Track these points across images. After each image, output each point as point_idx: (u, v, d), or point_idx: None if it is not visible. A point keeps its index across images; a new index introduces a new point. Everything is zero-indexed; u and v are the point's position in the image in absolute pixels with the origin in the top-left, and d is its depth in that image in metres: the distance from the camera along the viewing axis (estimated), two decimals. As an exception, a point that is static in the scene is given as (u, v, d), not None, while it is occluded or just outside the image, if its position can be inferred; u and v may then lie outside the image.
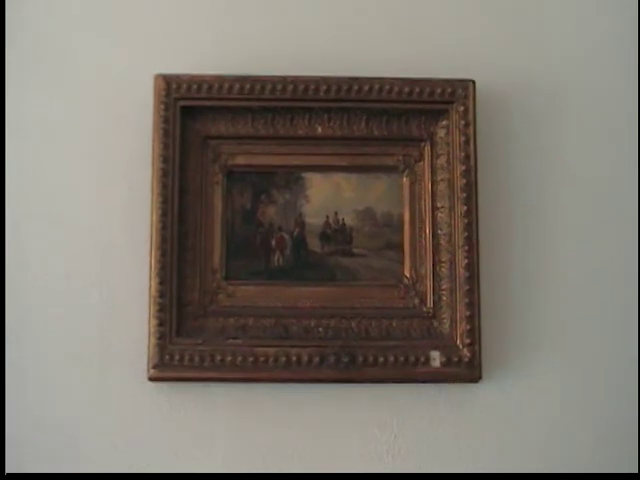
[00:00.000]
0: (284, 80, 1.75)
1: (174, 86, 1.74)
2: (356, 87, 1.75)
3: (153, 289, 1.69)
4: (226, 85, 1.74)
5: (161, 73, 1.75)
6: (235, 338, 1.70)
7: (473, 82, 1.77)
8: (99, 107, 1.79)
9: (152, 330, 1.69)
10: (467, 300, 1.72)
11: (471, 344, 1.71)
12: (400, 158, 1.80)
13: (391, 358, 1.70)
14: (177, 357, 1.69)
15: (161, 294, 1.69)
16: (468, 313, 1.72)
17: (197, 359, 1.69)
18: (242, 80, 1.74)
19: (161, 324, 1.68)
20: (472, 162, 1.75)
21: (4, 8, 1.76)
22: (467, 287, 1.72)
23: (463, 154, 1.75)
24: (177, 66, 1.76)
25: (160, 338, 1.68)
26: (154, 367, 1.69)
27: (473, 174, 1.75)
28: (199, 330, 1.72)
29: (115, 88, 1.80)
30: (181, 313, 1.71)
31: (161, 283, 1.69)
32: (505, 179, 1.82)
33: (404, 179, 1.80)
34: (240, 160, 1.78)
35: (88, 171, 1.79)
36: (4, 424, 1.67)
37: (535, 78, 1.84)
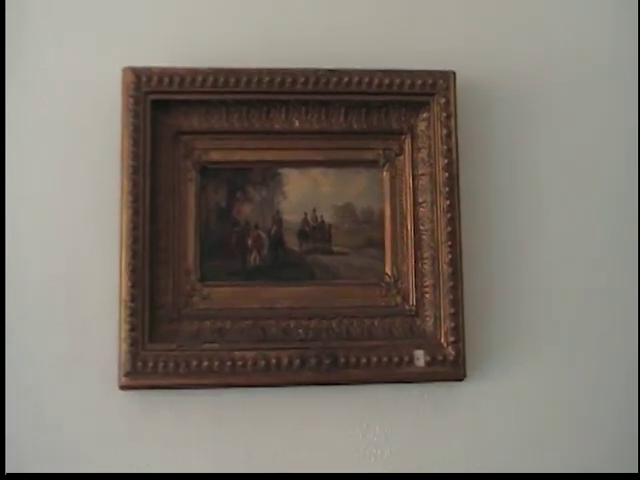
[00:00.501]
0: (260, 72, 1.69)
1: (144, 79, 1.67)
2: (335, 79, 1.71)
3: (124, 292, 1.62)
4: (199, 78, 1.68)
5: (130, 66, 1.67)
6: (211, 342, 1.65)
7: (454, 73, 1.73)
8: (66, 102, 1.72)
9: (123, 336, 1.62)
10: (451, 297, 1.69)
11: (455, 342, 1.68)
12: (380, 152, 1.76)
13: (374, 358, 1.66)
14: (150, 364, 1.62)
15: (132, 297, 1.62)
16: (452, 310, 1.68)
17: (171, 365, 1.63)
18: (216, 73, 1.68)
19: (133, 329, 1.62)
20: (454, 155, 1.71)
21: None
22: (451, 283, 1.69)
23: (445, 147, 1.71)
24: (147, 59, 1.69)
25: (132, 344, 1.62)
26: (126, 375, 1.62)
27: (455, 167, 1.71)
28: (173, 335, 1.66)
29: (83, 82, 1.72)
30: (154, 317, 1.65)
31: (132, 286, 1.62)
32: (488, 172, 1.79)
33: (384, 173, 1.76)
34: (214, 156, 1.72)
35: (54, 169, 1.71)
36: (4, 424, 1.61)
37: (517, 69, 1.81)
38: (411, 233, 1.73)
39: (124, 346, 1.62)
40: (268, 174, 1.73)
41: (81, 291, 1.68)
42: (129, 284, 1.62)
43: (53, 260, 1.68)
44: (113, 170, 1.67)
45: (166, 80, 1.67)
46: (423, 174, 1.73)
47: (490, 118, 1.80)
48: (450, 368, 1.67)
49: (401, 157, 1.75)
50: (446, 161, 1.70)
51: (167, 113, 1.69)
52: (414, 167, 1.74)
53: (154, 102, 1.67)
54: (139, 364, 1.62)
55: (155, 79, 1.66)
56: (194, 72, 1.68)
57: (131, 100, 1.65)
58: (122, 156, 1.65)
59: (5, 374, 1.63)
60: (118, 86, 1.67)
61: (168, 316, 1.66)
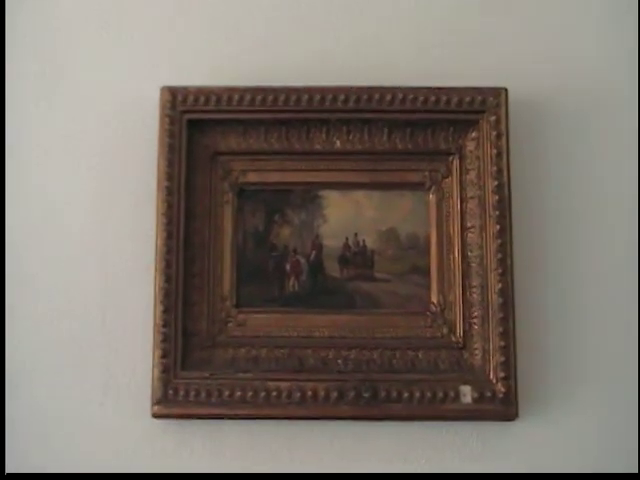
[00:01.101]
0: (299, 90, 1.64)
1: (180, 98, 1.64)
2: (377, 97, 1.64)
3: (157, 317, 1.59)
4: (236, 96, 1.64)
5: (167, 85, 1.65)
6: (246, 371, 1.60)
7: (505, 90, 1.66)
8: (103, 122, 1.71)
9: (155, 362, 1.58)
10: (501, 329, 1.59)
11: (506, 378, 1.58)
12: (426, 174, 1.69)
13: (417, 393, 1.58)
14: (182, 392, 1.58)
15: (165, 323, 1.58)
16: (502, 343, 1.59)
17: (204, 394, 1.58)
18: (253, 91, 1.64)
19: (165, 355, 1.58)
20: (505, 177, 1.63)
21: (4, 21, 1.70)
22: (501, 315, 1.59)
23: (495, 168, 1.63)
24: (184, 78, 1.68)
25: (164, 371, 1.58)
26: (157, 403, 1.58)
27: (506, 190, 1.63)
28: (206, 362, 1.62)
29: (120, 102, 1.71)
30: (187, 344, 1.61)
31: (165, 311, 1.59)
32: (540, 195, 1.69)
33: (430, 196, 1.69)
34: (252, 177, 1.69)
35: (91, 190, 1.69)
36: (4, 424, 1.60)
37: (571, 86, 1.72)
38: (459, 260, 1.65)
39: (156, 373, 1.58)
40: (308, 196, 1.68)
41: (115, 315, 1.65)
42: (161, 309, 1.58)
43: (87, 284, 1.66)
44: (150, 192, 1.64)
45: (202, 99, 1.64)
46: (472, 197, 1.66)
47: (543, 137, 1.70)
48: (500, 406, 1.57)
49: (448, 179, 1.68)
50: (496, 183, 1.62)
51: (203, 133, 1.66)
52: (462, 189, 1.67)
53: (190, 122, 1.64)
54: (170, 392, 1.57)
55: (191, 98, 1.64)
56: (231, 90, 1.64)
57: (167, 120, 1.63)
58: (157, 177, 1.63)
59: (22, 402, 1.62)
60: (156, 106, 1.65)
61: (202, 343, 1.63)
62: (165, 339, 1.58)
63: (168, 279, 1.59)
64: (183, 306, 1.60)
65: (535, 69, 1.71)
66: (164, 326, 1.58)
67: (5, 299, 1.64)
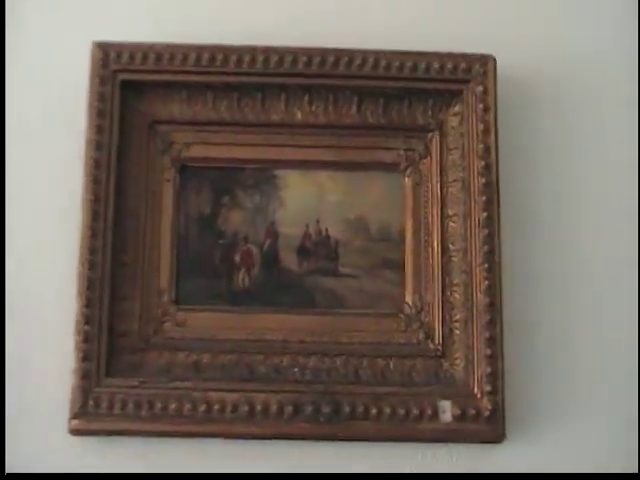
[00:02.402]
0: (254, 50, 1.50)
1: (113, 55, 1.49)
2: (345, 60, 1.50)
3: (77, 313, 1.42)
4: (179, 55, 1.49)
5: (99, 40, 1.49)
6: (184, 379, 1.44)
7: (494, 58, 1.52)
8: (25, 81, 1.53)
9: (75, 367, 1.41)
10: (487, 334, 1.44)
11: (492, 392, 1.43)
12: (401, 153, 1.55)
13: (387, 409, 1.42)
14: (105, 403, 1.40)
15: (87, 320, 1.42)
16: (488, 352, 1.44)
17: (132, 406, 1.40)
18: (200, 49, 1.49)
19: (86, 359, 1.41)
20: (493, 157, 1.50)
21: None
22: (487, 317, 1.45)
23: (482, 146, 1.49)
24: (120, 33, 1.50)
25: (84, 378, 1.40)
26: (76, 417, 1.40)
27: (494, 172, 1.49)
28: (136, 368, 1.45)
29: (45, 59, 1.54)
30: (113, 345, 1.45)
31: (87, 306, 1.42)
32: (532, 178, 1.54)
33: (406, 179, 1.55)
34: (197, 152, 1.53)
35: (10, 162, 1.51)
36: (4, 424, 1.44)
37: (565, 55, 1.58)
38: (438, 253, 1.51)
39: (74, 380, 1.40)
40: (262, 176, 1.54)
41: (28, 309, 1.46)
42: (83, 303, 1.42)
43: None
44: (75, 164, 1.46)
45: (139, 57, 1.48)
46: (454, 180, 1.52)
47: (534, 112, 1.56)
48: (485, 426, 1.43)
49: (427, 159, 1.54)
50: (483, 163, 1.48)
51: (140, 97, 1.51)
52: (443, 171, 1.53)
53: (124, 83, 1.49)
54: (91, 403, 1.40)
55: (126, 56, 1.48)
56: (173, 48, 1.48)
57: (97, 80, 1.48)
58: (85, 147, 1.47)
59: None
60: (86, 64, 1.48)
61: (132, 345, 1.47)
62: (87, 339, 1.41)
63: (92, 267, 1.43)
64: (110, 300, 1.44)
65: (525, 37, 1.57)
66: (86, 323, 1.41)
67: None
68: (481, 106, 1.49)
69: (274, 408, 1.40)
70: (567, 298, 1.51)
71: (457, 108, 1.52)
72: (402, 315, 1.50)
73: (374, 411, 1.41)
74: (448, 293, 1.49)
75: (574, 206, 1.54)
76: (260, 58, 1.48)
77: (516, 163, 1.53)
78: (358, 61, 1.49)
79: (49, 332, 1.44)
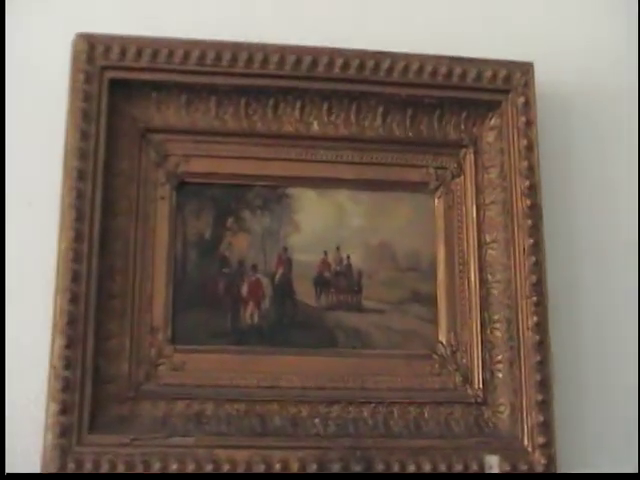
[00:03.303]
0: (267, 48, 1.34)
1: (100, 50, 1.30)
2: (371, 64, 1.35)
3: (55, 355, 1.22)
4: (179, 52, 1.31)
5: (84, 32, 1.31)
6: (185, 435, 1.25)
7: (532, 65, 1.42)
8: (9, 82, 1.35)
9: (51, 421, 1.20)
10: (538, 377, 1.29)
11: (546, 445, 1.27)
12: (431, 171, 1.41)
13: (426, 465, 1.26)
14: (89, 465, 1.19)
15: (67, 363, 1.21)
16: (540, 397, 1.29)
17: (122, 468, 1.20)
18: (203, 45, 1.32)
19: (65, 411, 1.20)
20: (537, 176, 1.36)
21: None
22: (537, 358, 1.30)
23: (525, 164, 1.37)
24: (109, 24, 1.33)
25: (63, 435, 1.19)
26: (46, 474, 1.19)
27: (540, 193, 1.37)
28: (127, 422, 1.26)
29: (25, 53, 1.35)
30: (99, 394, 1.25)
31: (68, 346, 1.22)
32: (574, 199, 1.42)
33: (436, 201, 1.41)
34: (197, 166, 1.36)
35: None
36: (4, 424, 1.26)
37: (609, 64, 1.48)
38: (475, 285, 1.37)
39: (50, 437, 1.19)
40: (273, 195, 1.38)
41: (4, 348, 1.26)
42: (62, 343, 1.21)
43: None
44: (55, 175, 1.26)
45: (132, 52, 1.30)
46: (492, 202, 1.38)
47: (575, 125, 1.45)
48: None
49: (460, 179, 1.41)
50: (527, 183, 1.36)
51: (131, 100, 1.33)
52: (479, 193, 1.39)
53: (114, 82, 1.31)
54: (71, 465, 1.19)
55: (116, 50, 1.30)
56: (172, 43, 1.31)
57: (81, 77, 1.30)
58: (65, 156, 1.28)
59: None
60: (68, 58, 1.31)
61: (120, 393, 1.27)
62: (66, 387, 1.21)
63: (74, 299, 1.23)
64: (95, 339, 1.24)
65: (564, 44, 1.47)
66: (65, 367, 1.21)
67: None
68: (523, 119, 1.36)
69: (295, 467, 1.23)
70: (617, 332, 1.38)
71: (494, 121, 1.39)
72: (435, 356, 1.36)
73: (411, 467, 1.24)
74: (488, 331, 1.35)
75: (621, 227, 1.42)
76: (273, 58, 1.32)
77: (555, 182, 1.39)
78: (386, 65, 1.35)
79: (20, 378, 1.23)
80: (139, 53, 1.30)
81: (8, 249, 1.30)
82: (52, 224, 1.25)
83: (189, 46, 1.31)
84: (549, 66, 1.43)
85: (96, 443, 1.20)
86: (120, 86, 1.31)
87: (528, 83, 1.39)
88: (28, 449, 1.21)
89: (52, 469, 1.19)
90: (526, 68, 1.39)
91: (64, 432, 1.19)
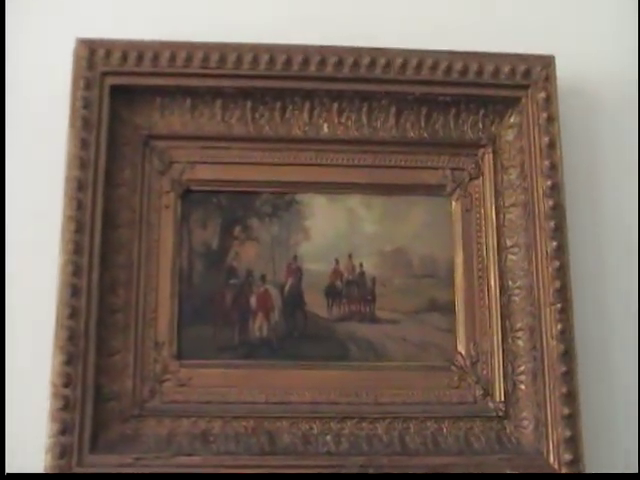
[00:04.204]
0: (273, 49, 1.29)
1: (101, 54, 1.27)
2: (383, 62, 1.30)
3: (54, 372, 1.18)
4: (182, 54, 1.27)
5: (84, 37, 1.27)
6: (190, 454, 1.20)
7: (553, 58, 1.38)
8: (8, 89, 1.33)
9: (50, 442, 1.15)
10: (564, 389, 1.23)
11: (573, 462, 1.21)
12: (447, 173, 1.35)
13: None
14: None
15: (67, 381, 1.17)
16: (566, 411, 1.22)
17: None
18: (206, 48, 1.27)
19: (65, 431, 1.16)
20: (560, 175, 1.29)
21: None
22: (562, 368, 1.23)
23: (547, 163, 1.30)
24: (110, 29, 1.29)
25: (63, 456, 1.15)
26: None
27: (563, 193, 1.29)
28: (130, 441, 1.21)
29: (25, 59, 1.33)
30: (101, 413, 1.20)
31: (67, 363, 1.18)
32: (599, 198, 1.35)
33: (454, 204, 1.36)
34: (203, 173, 1.31)
35: None
36: (4, 424, 1.25)
37: (633, 60, 1.40)
38: (496, 292, 1.31)
39: (49, 459, 1.16)
40: (282, 202, 1.33)
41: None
42: (62, 359, 1.17)
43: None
44: (54, 185, 1.23)
45: (133, 56, 1.27)
46: (513, 205, 1.32)
47: (599, 121, 1.38)
48: None
49: (478, 180, 1.35)
50: (549, 183, 1.29)
51: (133, 106, 1.29)
52: (498, 195, 1.34)
53: (115, 88, 1.27)
54: None
55: (117, 55, 1.27)
56: (174, 46, 1.27)
57: (81, 83, 1.27)
58: (66, 165, 1.25)
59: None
60: (68, 64, 1.27)
61: (124, 411, 1.23)
62: (66, 405, 1.17)
63: (74, 314, 1.19)
64: (96, 356, 1.20)
65: (583, 35, 1.41)
66: (65, 385, 1.17)
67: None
68: (544, 115, 1.30)
69: None
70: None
71: (514, 119, 1.33)
72: (454, 368, 1.31)
73: None
74: (509, 340, 1.29)
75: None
76: (280, 58, 1.27)
77: (578, 182, 1.32)
78: (398, 63, 1.30)
79: (18, 396, 1.20)
80: (140, 57, 1.27)
81: (9, 261, 1.26)
82: (54, 236, 1.21)
83: (192, 48, 1.27)
84: (571, 59, 1.38)
85: (97, 464, 1.17)
86: (122, 92, 1.29)
87: (549, 77, 1.32)
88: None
89: (52, 491, 1.14)
90: (547, 62, 1.33)
91: (64, 453, 1.15)
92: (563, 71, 1.35)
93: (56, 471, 1.17)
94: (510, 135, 1.34)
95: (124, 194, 1.27)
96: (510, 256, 1.31)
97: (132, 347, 1.24)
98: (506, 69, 1.30)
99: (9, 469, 1.25)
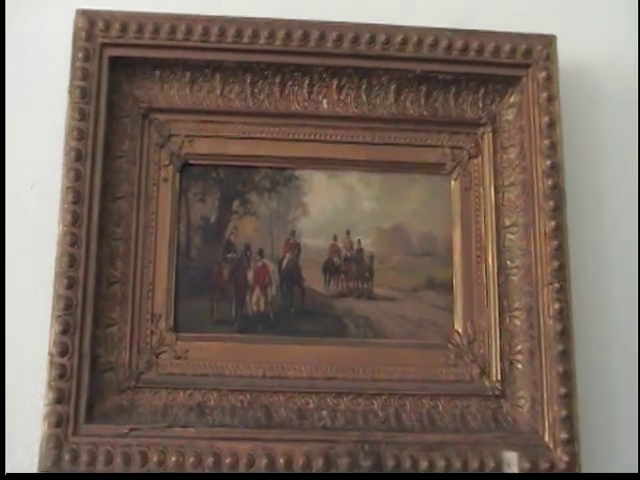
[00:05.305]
0: (272, 23, 1.27)
1: (101, 26, 1.25)
2: (382, 38, 1.28)
3: (51, 341, 1.17)
4: (182, 27, 1.26)
5: (84, 8, 1.26)
6: (185, 426, 1.19)
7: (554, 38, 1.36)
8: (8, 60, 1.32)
9: (46, 410, 1.15)
10: (560, 369, 1.22)
11: (569, 441, 1.20)
12: (447, 151, 1.34)
13: (440, 462, 1.19)
14: (85, 456, 1.14)
15: (63, 350, 1.16)
16: (562, 390, 1.21)
17: (120, 460, 1.14)
18: (208, 21, 1.26)
19: (61, 400, 1.15)
20: (560, 154, 1.27)
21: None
22: (559, 348, 1.22)
23: (547, 142, 1.29)
24: (108, 1, 1.27)
25: (58, 424, 1.15)
26: (46, 473, 1.14)
27: (562, 173, 1.28)
28: (126, 411, 1.20)
29: (19, 27, 1.31)
30: (97, 383, 1.20)
31: (64, 332, 1.17)
32: (598, 180, 1.34)
33: (453, 183, 1.34)
34: (201, 147, 1.30)
35: None
36: (4, 424, 1.25)
37: (635, 39, 1.39)
38: (493, 271, 1.29)
39: (46, 427, 1.15)
40: (281, 177, 1.32)
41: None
42: (59, 329, 1.17)
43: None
44: (53, 156, 1.22)
45: (133, 28, 1.25)
46: (512, 184, 1.31)
47: (599, 101, 1.37)
48: None
49: (477, 159, 1.33)
50: (549, 163, 1.28)
51: (133, 78, 1.28)
52: (497, 174, 1.32)
53: (114, 60, 1.25)
54: (67, 457, 1.14)
55: (117, 26, 1.25)
56: (175, 19, 1.25)
57: (80, 54, 1.24)
58: (65, 137, 1.23)
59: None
60: (67, 35, 1.25)
61: (119, 382, 1.22)
62: (62, 375, 1.16)
63: (71, 284, 1.18)
64: (93, 327, 1.19)
65: (585, 15, 1.40)
66: (62, 354, 1.16)
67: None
68: (545, 95, 1.28)
69: (300, 461, 1.16)
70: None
71: (514, 98, 1.32)
72: (451, 346, 1.29)
73: (424, 464, 1.17)
74: (507, 319, 1.28)
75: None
76: (280, 33, 1.26)
77: (578, 162, 1.31)
78: (398, 39, 1.28)
79: (16, 365, 1.19)
80: (140, 29, 1.25)
81: (8, 232, 1.24)
82: (54, 207, 1.20)
83: (192, 21, 1.25)
84: (572, 39, 1.36)
85: (93, 433, 1.15)
86: (121, 64, 1.27)
87: (550, 56, 1.30)
88: (22, 445, 1.17)
89: (47, 462, 1.12)
90: (548, 40, 1.31)
91: (59, 422, 1.14)
92: (564, 50, 1.33)
93: (51, 442, 1.13)
94: (510, 114, 1.32)
95: (123, 166, 1.26)
96: (509, 235, 1.30)
97: (129, 319, 1.23)
98: (507, 48, 1.29)
99: (8, 443, 1.20)
